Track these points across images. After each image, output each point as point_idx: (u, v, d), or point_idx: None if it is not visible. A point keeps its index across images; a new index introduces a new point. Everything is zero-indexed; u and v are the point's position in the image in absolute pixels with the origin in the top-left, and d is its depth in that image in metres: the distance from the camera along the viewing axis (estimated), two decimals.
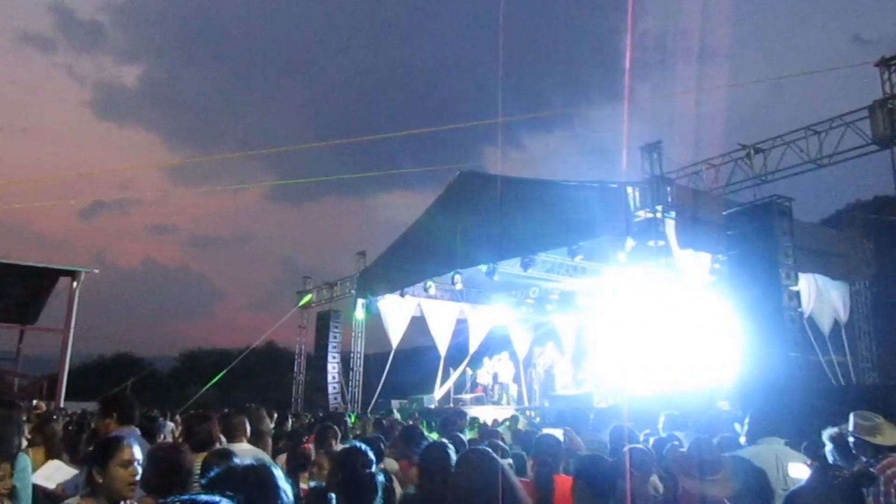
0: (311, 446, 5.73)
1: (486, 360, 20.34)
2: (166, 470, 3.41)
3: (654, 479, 3.89)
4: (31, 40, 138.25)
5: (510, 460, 4.09)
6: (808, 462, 4.52)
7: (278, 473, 1.09)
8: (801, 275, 10.62)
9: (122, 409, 4.31)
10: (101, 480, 2.86)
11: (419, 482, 3.29)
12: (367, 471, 3.19)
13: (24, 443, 5.42)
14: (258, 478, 1.07)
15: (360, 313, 21.07)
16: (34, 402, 15.22)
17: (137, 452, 2.98)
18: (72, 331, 16.77)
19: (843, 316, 15.43)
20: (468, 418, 8.35)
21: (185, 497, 1.09)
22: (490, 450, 2.92)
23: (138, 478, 2.93)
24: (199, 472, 3.71)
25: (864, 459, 4.12)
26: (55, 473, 4.04)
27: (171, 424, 9.89)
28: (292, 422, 9.93)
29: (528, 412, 15.13)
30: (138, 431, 4.24)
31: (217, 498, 1.11)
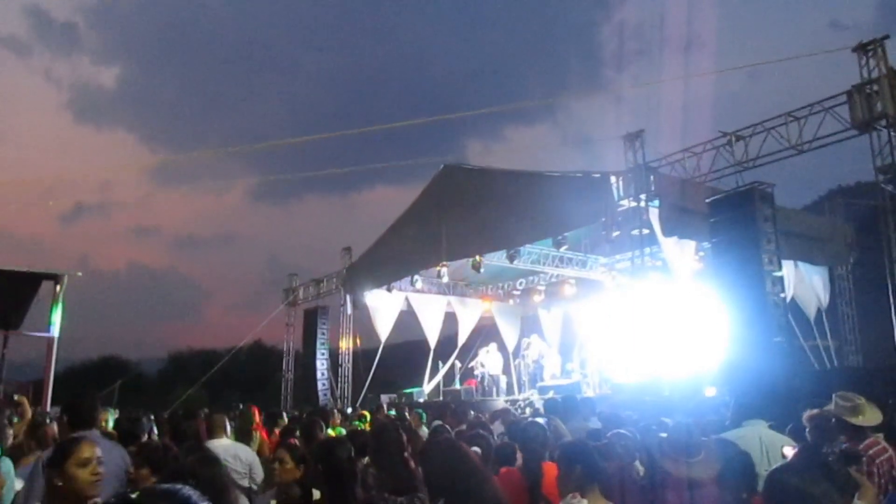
0: (296, 440, 5.73)
1: (480, 352, 20.35)
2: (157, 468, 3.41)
3: (636, 463, 3.92)
4: (6, 43, 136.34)
5: (478, 449, 4.06)
6: (794, 444, 4.57)
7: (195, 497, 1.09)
8: (783, 261, 10.70)
9: (75, 413, 4.20)
10: (60, 483, 2.75)
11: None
12: (347, 460, 3.21)
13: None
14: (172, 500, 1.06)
15: (347, 309, 21.05)
16: (15, 396, 15.04)
17: (98, 451, 2.88)
18: (56, 335, 16.60)
19: (825, 301, 15.60)
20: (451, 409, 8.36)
21: (147, 486, 1.08)
22: (453, 438, 3.05)
23: (101, 475, 2.82)
24: None
25: (842, 440, 4.18)
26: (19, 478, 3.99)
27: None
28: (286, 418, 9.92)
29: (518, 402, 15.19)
30: (97, 433, 4.14)
31: (178, 486, 1.11)
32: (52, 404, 16.56)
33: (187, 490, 1.10)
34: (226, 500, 3.32)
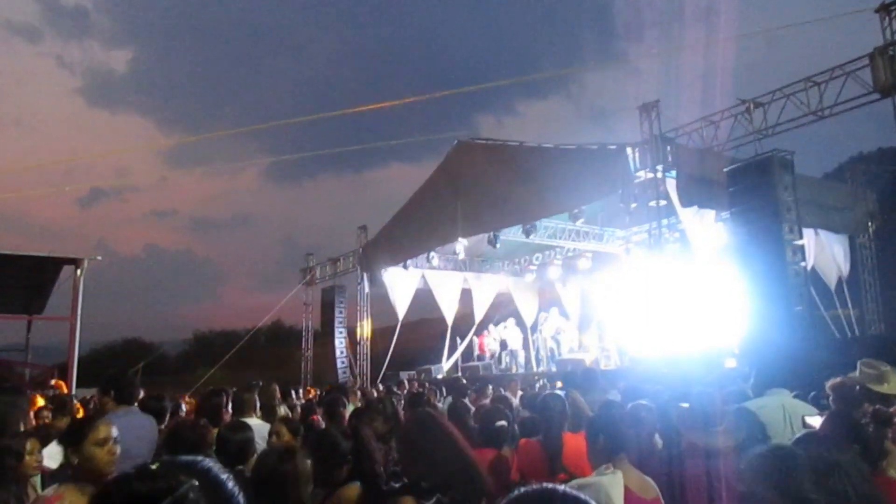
0: (318, 418, 5.78)
1: (490, 327, 20.40)
2: (189, 447, 3.45)
3: (655, 435, 3.90)
4: (17, 31, 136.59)
5: (504, 422, 4.08)
6: (817, 413, 4.52)
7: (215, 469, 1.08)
8: (804, 230, 10.56)
9: (119, 389, 4.30)
10: (76, 461, 2.80)
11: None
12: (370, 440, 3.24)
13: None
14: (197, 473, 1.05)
15: (364, 288, 21.16)
16: (53, 381, 15.33)
17: (115, 431, 2.91)
18: (79, 319, 16.84)
19: (845, 270, 15.40)
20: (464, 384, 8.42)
21: (167, 458, 1.07)
22: (432, 411, 3.17)
23: (117, 455, 2.86)
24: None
25: (867, 408, 4.12)
26: (58, 454, 4.05)
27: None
28: (295, 395, 10.05)
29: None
30: (137, 410, 4.26)
31: (198, 458, 1.11)
32: (77, 387, 16.88)
33: (207, 462, 1.10)
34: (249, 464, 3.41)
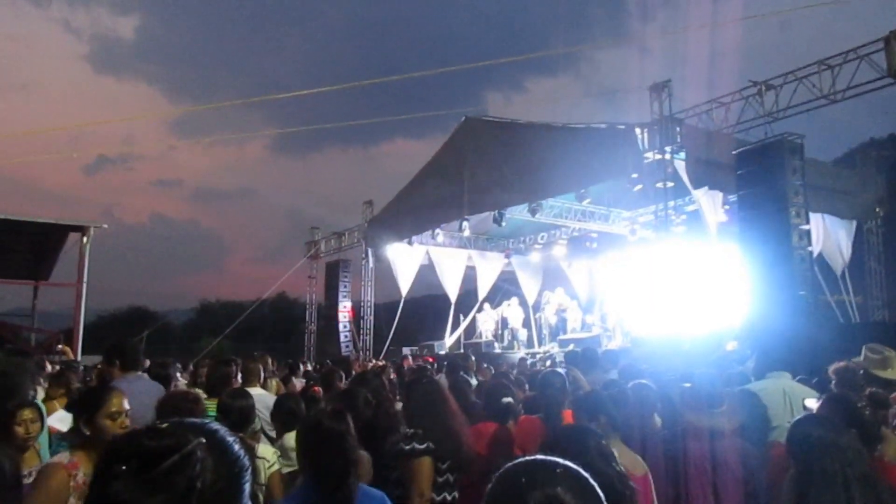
0: (319, 389, 5.84)
1: (486, 306, 20.41)
2: (180, 416, 3.50)
3: (654, 415, 3.93)
4: None
5: (510, 399, 4.14)
6: (817, 396, 4.54)
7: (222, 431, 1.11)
8: (810, 214, 10.51)
9: (124, 356, 4.32)
10: (88, 433, 2.76)
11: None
12: (370, 409, 3.27)
13: (42, 393, 5.56)
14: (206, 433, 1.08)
15: (369, 263, 21.21)
16: (59, 346, 15.45)
17: (126, 403, 2.89)
18: (84, 285, 16.92)
19: (847, 256, 15.28)
20: (472, 361, 8.47)
21: (176, 419, 1.09)
22: (435, 381, 3.52)
23: (128, 427, 2.80)
24: (213, 412, 3.86)
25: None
26: (68, 417, 4.11)
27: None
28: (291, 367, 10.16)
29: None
30: (145, 377, 4.29)
31: (206, 420, 1.13)
32: (83, 353, 17.02)
33: (214, 423, 1.12)
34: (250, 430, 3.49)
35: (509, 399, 4.01)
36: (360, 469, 2.74)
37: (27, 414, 3.50)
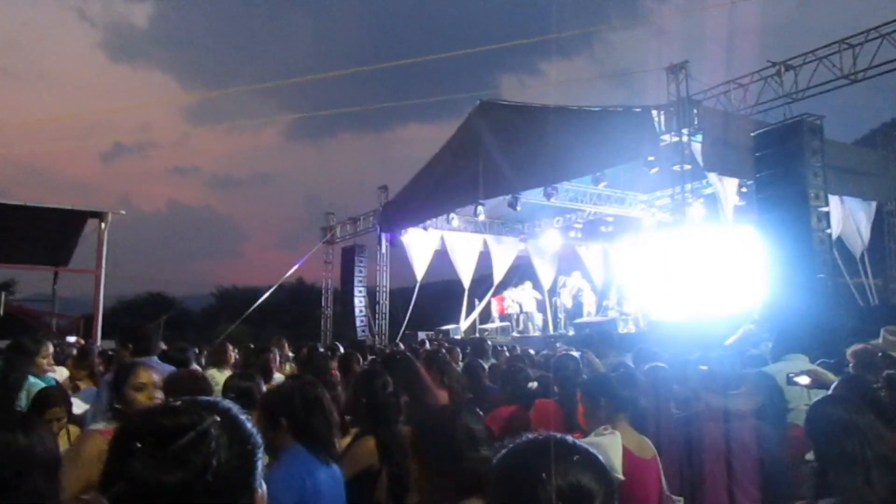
0: (336, 373, 5.88)
1: (510, 289, 20.40)
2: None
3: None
4: None
5: (535, 383, 4.15)
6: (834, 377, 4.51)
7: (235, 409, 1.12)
8: (829, 196, 10.37)
9: (137, 340, 4.37)
10: (119, 406, 2.90)
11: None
12: (387, 391, 3.27)
13: (65, 373, 5.68)
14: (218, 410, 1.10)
15: (383, 247, 21.27)
16: (74, 338, 15.70)
17: (153, 376, 3.00)
18: (103, 271, 17.13)
19: (866, 238, 15.06)
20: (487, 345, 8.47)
21: (188, 398, 1.10)
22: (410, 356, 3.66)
23: (156, 399, 2.93)
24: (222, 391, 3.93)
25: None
26: (82, 404, 4.17)
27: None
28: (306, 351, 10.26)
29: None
30: (157, 360, 4.32)
31: (220, 398, 1.14)
32: (102, 338, 17.25)
33: (227, 402, 1.13)
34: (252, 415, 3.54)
35: (534, 383, 4.02)
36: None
37: (56, 412, 3.65)
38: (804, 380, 4.00)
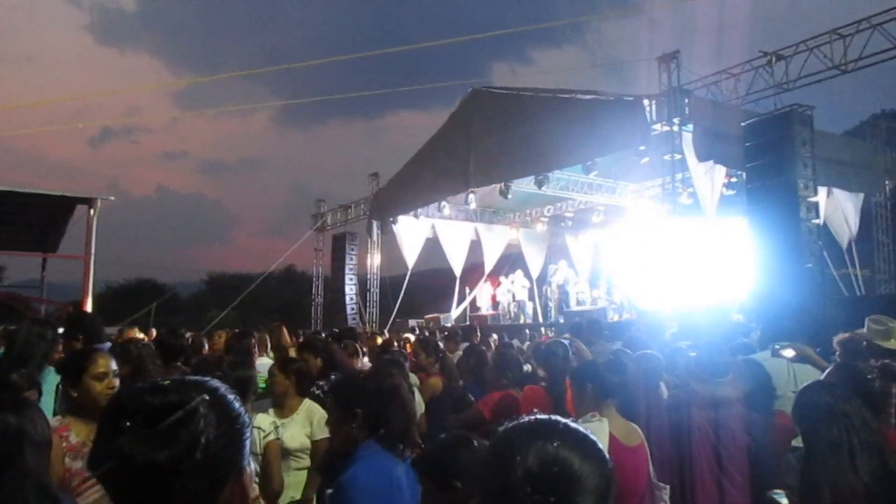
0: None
1: (502, 278, 20.47)
2: None
3: (661, 384, 3.96)
4: None
5: (530, 367, 4.19)
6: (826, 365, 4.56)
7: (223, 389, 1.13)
8: (818, 187, 10.43)
9: (86, 330, 4.23)
10: (75, 395, 2.77)
11: None
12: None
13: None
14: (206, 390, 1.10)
15: (374, 235, 21.23)
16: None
17: (113, 364, 2.87)
18: (92, 257, 17.00)
19: (854, 229, 15.19)
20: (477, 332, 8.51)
21: (177, 377, 1.11)
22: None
23: (116, 388, 2.80)
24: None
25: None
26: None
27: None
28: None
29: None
30: (108, 347, 4.21)
31: (206, 378, 1.14)
32: None
33: (216, 381, 1.14)
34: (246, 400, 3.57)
35: (529, 366, 4.06)
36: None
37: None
38: (789, 352, 4.08)
